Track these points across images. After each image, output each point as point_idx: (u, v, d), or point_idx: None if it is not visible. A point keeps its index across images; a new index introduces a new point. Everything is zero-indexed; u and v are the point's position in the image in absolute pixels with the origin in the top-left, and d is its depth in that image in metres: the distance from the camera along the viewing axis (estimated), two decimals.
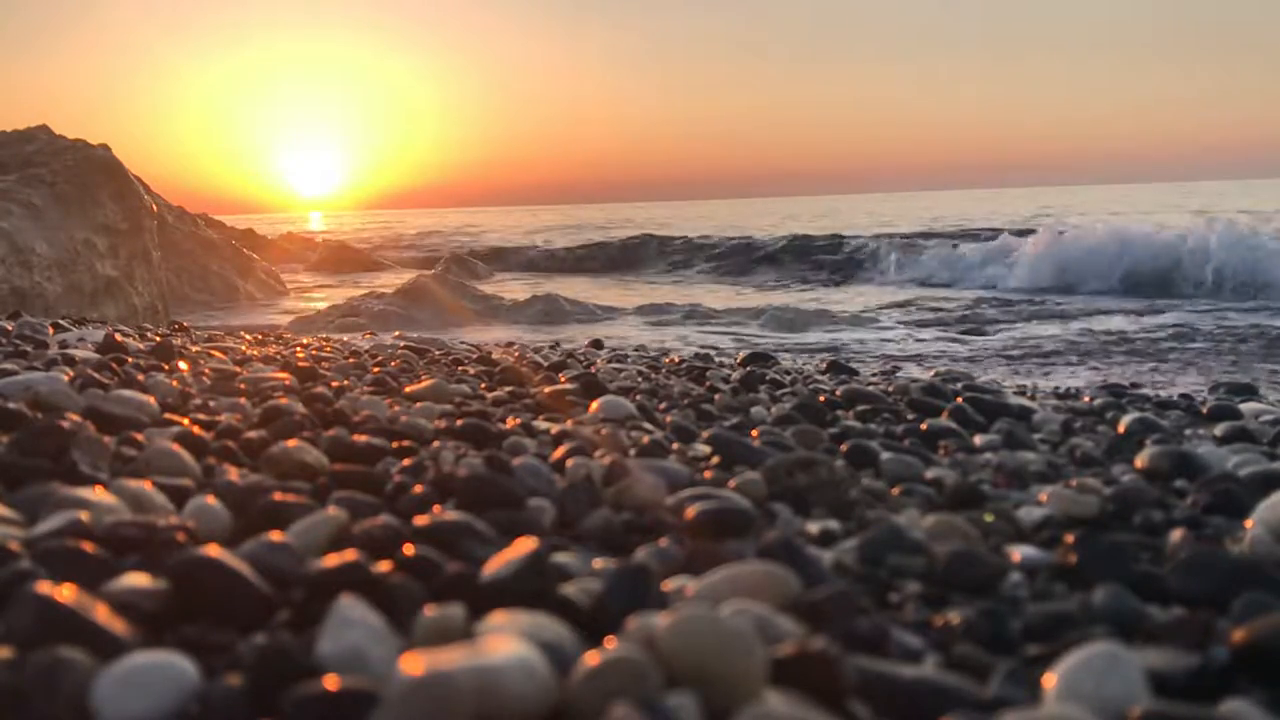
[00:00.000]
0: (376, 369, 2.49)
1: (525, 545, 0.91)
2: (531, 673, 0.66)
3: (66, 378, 1.76)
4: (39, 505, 1.02)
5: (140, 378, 1.93)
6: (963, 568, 1.03)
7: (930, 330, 8.36)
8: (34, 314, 4.40)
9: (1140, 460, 1.66)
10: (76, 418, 1.38)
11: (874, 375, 3.42)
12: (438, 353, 3.17)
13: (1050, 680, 0.73)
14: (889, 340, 7.71)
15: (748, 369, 3.14)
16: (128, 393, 1.64)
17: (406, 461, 1.37)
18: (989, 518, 1.26)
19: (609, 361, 3.36)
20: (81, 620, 0.71)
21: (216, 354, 2.63)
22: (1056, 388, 3.34)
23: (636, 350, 4.68)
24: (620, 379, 2.66)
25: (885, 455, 1.61)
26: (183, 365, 2.27)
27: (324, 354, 2.91)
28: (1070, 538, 1.12)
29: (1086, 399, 2.69)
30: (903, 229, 19.77)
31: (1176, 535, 1.20)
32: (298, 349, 3.10)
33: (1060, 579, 1.05)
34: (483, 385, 2.34)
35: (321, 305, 10.44)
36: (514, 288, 13.40)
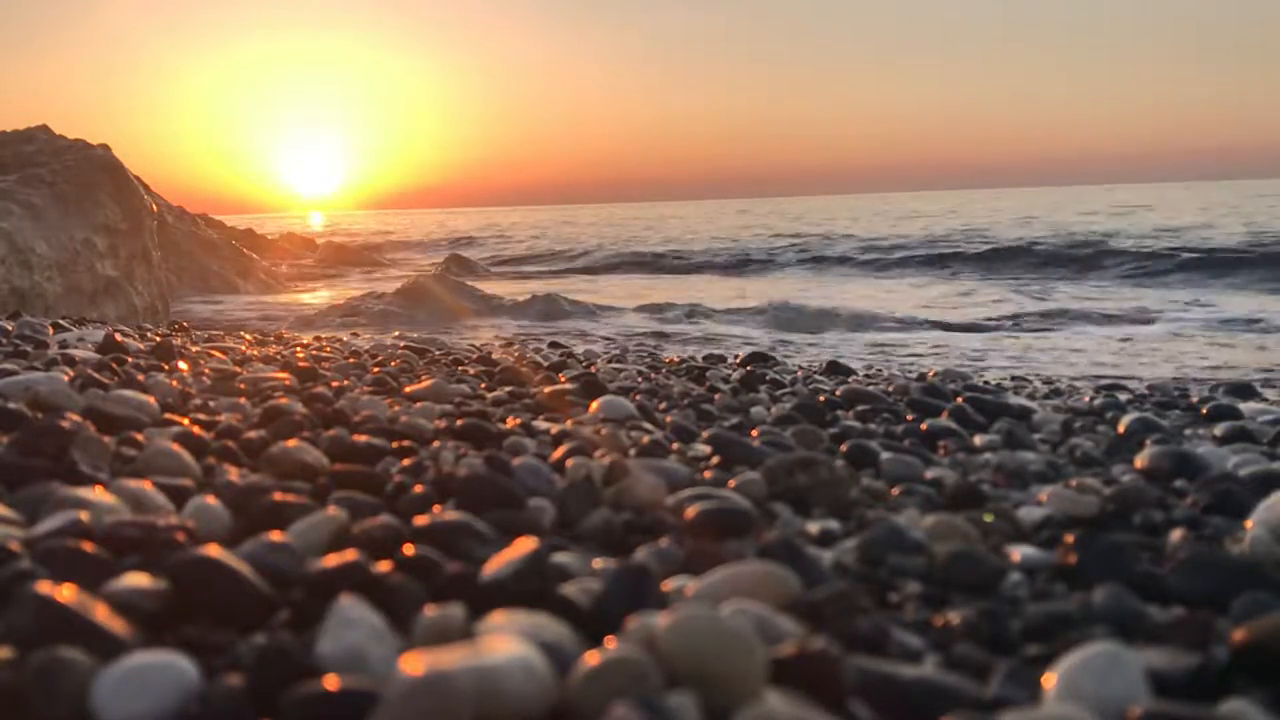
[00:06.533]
0: (376, 369, 2.49)
1: (525, 545, 0.91)
2: (531, 673, 0.66)
3: (66, 378, 1.76)
4: (39, 505, 1.02)
5: (140, 378, 1.93)
6: (963, 568, 1.03)
7: None
8: (34, 314, 4.40)
9: (1140, 460, 1.66)
10: (76, 418, 1.37)
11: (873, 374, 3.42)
12: (438, 353, 3.17)
13: (1050, 680, 0.72)
14: None
15: (748, 369, 3.14)
16: (128, 393, 1.64)
17: (406, 461, 1.37)
18: (989, 518, 1.26)
19: (609, 361, 3.36)
20: (81, 620, 0.71)
21: (216, 354, 2.63)
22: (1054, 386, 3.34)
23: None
24: (620, 379, 2.66)
25: (885, 455, 1.61)
26: (183, 365, 2.27)
27: (324, 354, 2.91)
28: (1070, 538, 1.12)
29: (1086, 399, 2.69)
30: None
31: (1176, 535, 1.20)
32: (298, 349, 3.10)
33: (1060, 579, 1.05)
34: (483, 385, 2.34)
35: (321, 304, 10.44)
36: (514, 287, 13.39)
